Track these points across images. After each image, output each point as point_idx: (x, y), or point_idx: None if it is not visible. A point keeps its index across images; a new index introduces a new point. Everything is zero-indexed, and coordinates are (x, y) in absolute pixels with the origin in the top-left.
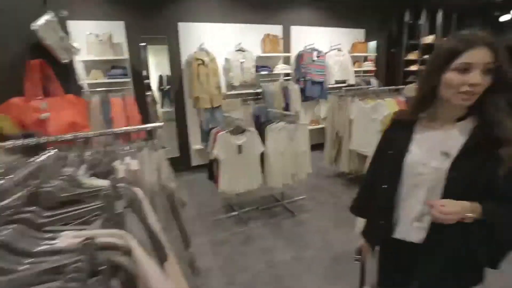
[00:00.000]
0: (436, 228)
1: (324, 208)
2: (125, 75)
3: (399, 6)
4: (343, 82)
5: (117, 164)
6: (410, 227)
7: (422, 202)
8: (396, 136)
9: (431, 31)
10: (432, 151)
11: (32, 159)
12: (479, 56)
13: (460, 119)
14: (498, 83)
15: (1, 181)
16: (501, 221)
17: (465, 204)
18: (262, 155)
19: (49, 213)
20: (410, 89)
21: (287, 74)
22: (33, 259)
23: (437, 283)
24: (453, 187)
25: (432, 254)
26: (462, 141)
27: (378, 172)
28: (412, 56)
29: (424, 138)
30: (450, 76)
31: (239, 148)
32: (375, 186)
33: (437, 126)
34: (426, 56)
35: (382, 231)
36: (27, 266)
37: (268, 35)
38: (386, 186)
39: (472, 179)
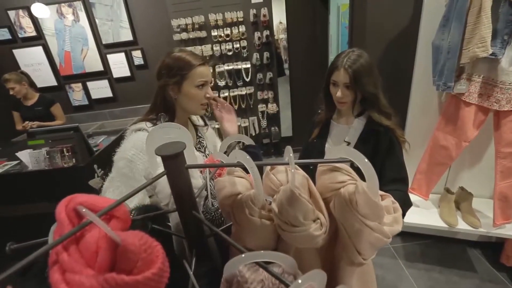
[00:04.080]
0: None
1: None
2: None
3: None
4: None
5: None
6: None
7: None
8: (320, 131)
9: None
10: (339, 141)
11: None
12: (338, 76)
13: (358, 114)
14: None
15: None
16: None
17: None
18: None
19: None
20: None
21: None
22: None
23: None
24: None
25: None
26: (359, 131)
27: (306, 157)
28: None
29: (335, 131)
30: (331, 88)
31: None
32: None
33: (343, 122)
34: None
35: None
36: None
37: None
38: (312, 167)
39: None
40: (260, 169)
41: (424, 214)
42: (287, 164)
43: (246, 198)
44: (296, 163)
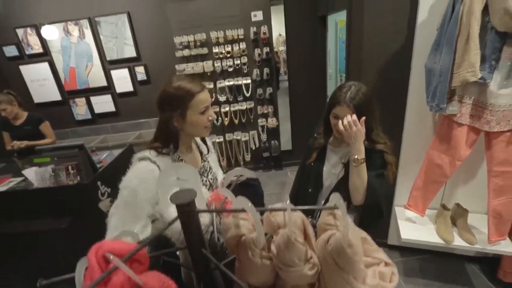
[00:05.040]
0: None
1: None
2: None
3: None
4: None
5: None
6: None
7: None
8: (318, 155)
9: None
10: (336, 163)
11: None
12: (340, 111)
13: None
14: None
15: None
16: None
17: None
18: None
19: None
20: None
21: None
22: None
23: None
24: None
25: None
26: None
27: (303, 181)
28: None
29: (332, 155)
30: (331, 119)
31: None
32: (301, 191)
33: (339, 146)
34: None
35: None
36: None
37: None
38: (311, 189)
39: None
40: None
41: (421, 230)
42: (285, 209)
43: (249, 241)
44: (292, 209)
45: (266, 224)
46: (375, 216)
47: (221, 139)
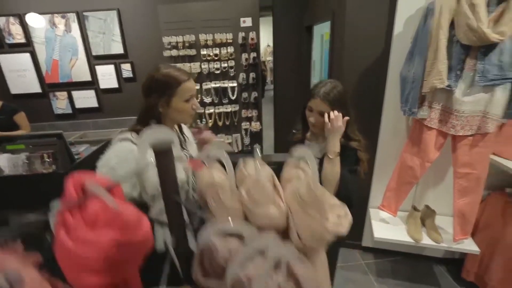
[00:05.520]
0: None
1: None
2: None
3: None
4: None
5: None
6: None
7: None
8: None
9: None
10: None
11: None
12: (314, 104)
13: None
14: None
15: None
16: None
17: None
18: None
19: None
20: None
21: None
22: None
23: None
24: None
25: None
26: None
27: None
28: None
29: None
30: (307, 112)
31: None
32: None
33: (316, 141)
34: None
35: None
36: None
37: None
38: None
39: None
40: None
41: (393, 230)
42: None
43: (221, 184)
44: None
45: (238, 177)
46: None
47: None
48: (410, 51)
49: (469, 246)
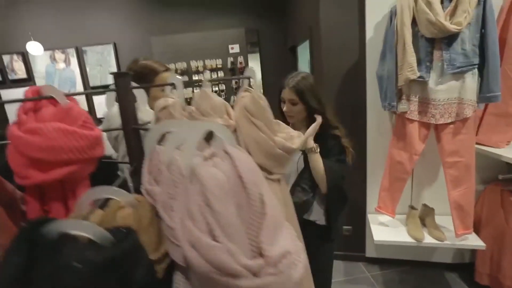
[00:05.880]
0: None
1: None
2: None
3: None
4: None
5: None
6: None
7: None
8: None
9: None
10: None
11: None
12: (285, 94)
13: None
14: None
15: None
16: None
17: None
18: None
19: None
20: None
21: None
22: None
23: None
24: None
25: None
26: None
27: None
28: None
29: None
30: (282, 105)
31: None
32: None
33: (298, 130)
34: None
35: None
36: None
37: None
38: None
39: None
40: None
41: (393, 232)
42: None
43: (173, 104)
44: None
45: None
46: (340, 200)
47: None
48: (382, 51)
49: (474, 241)
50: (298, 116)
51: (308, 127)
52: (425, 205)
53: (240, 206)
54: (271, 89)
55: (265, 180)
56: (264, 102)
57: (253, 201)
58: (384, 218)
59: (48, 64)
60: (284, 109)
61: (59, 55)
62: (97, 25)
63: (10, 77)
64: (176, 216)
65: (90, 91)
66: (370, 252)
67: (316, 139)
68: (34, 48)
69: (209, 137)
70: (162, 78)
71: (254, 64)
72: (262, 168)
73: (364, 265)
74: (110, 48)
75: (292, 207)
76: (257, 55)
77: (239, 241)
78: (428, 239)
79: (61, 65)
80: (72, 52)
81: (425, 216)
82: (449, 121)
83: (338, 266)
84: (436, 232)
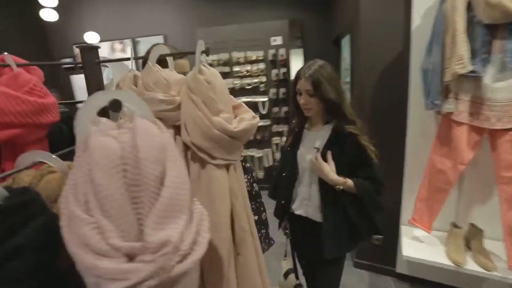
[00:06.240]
0: (324, 208)
1: None
2: None
3: None
4: None
5: None
6: (301, 204)
7: (307, 185)
8: (293, 139)
9: None
10: (309, 147)
11: None
12: (301, 85)
13: (327, 122)
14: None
15: None
16: (365, 189)
17: (332, 173)
18: None
19: None
20: None
21: None
22: None
23: (322, 251)
24: None
25: (321, 227)
26: (327, 137)
27: (280, 167)
28: None
29: (307, 139)
30: (297, 97)
31: None
32: (278, 177)
33: (314, 130)
34: None
35: (283, 209)
36: None
37: None
38: (285, 174)
39: (336, 158)
40: None
41: (427, 250)
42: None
43: (123, 78)
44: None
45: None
46: (373, 208)
47: None
48: (429, 42)
49: None
50: (315, 109)
51: (325, 122)
52: (472, 225)
53: (132, 183)
54: None
55: (179, 160)
56: (204, 77)
57: (148, 179)
58: (419, 232)
59: (109, 53)
60: (301, 101)
61: (117, 45)
62: (150, 17)
63: (79, 65)
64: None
65: (56, 63)
66: (401, 268)
67: (332, 141)
68: (91, 38)
69: (117, 107)
70: (177, 64)
71: (297, 57)
72: (201, 150)
73: (393, 281)
74: (160, 39)
75: (243, 198)
76: (300, 48)
77: (121, 219)
78: (471, 266)
79: (119, 54)
80: (128, 42)
81: (471, 238)
82: (509, 126)
83: (364, 277)
84: (482, 259)
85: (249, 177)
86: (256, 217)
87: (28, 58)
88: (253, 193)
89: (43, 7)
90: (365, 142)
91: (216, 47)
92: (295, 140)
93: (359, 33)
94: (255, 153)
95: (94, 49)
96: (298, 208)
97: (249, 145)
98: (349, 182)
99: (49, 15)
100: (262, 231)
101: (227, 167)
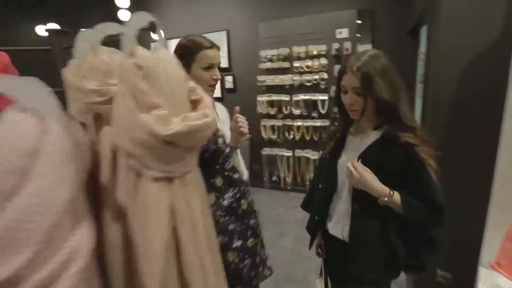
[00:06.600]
0: (359, 227)
1: None
2: None
3: None
4: None
5: None
6: (338, 225)
7: (347, 202)
8: (334, 146)
9: None
10: (353, 157)
11: None
12: (347, 80)
13: (377, 127)
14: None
15: None
16: (415, 209)
17: (376, 181)
18: None
19: None
20: None
21: None
22: None
23: (359, 276)
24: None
25: (355, 249)
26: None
27: (315, 176)
28: None
29: (350, 146)
30: (342, 96)
31: None
32: (313, 188)
33: (359, 135)
34: None
35: (317, 226)
36: None
37: None
38: (321, 185)
39: (376, 171)
40: None
41: None
42: None
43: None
44: None
45: None
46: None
47: (290, 154)
48: None
49: None
50: (365, 110)
51: (375, 126)
52: None
53: None
54: None
55: (56, 171)
56: (137, 60)
57: None
58: (503, 280)
59: None
60: (347, 101)
61: None
62: (213, 13)
63: None
64: None
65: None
66: None
67: (375, 147)
68: (124, 15)
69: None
70: (205, 55)
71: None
72: (132, 156)
73: None
74: (223, 35)
75: (196, 223)
76: (368, 40)
77: None
78: None
79: None
80: None
81: None
82: None
83: None
84: None
85: (235, 191)
86: (239, 243)
87: None
88: (239, 212)
89: (119, 8)
90: (424, 155)
91: (277, 42)
92: (337, 147)
93: (440, 18)
94: (310, 154)
95: (63, 33)
96: (334, 227)
97: (304, 145)
98: (397, 196)
99: (125, 16)
100: (245, 262)
101: (169, 180)
